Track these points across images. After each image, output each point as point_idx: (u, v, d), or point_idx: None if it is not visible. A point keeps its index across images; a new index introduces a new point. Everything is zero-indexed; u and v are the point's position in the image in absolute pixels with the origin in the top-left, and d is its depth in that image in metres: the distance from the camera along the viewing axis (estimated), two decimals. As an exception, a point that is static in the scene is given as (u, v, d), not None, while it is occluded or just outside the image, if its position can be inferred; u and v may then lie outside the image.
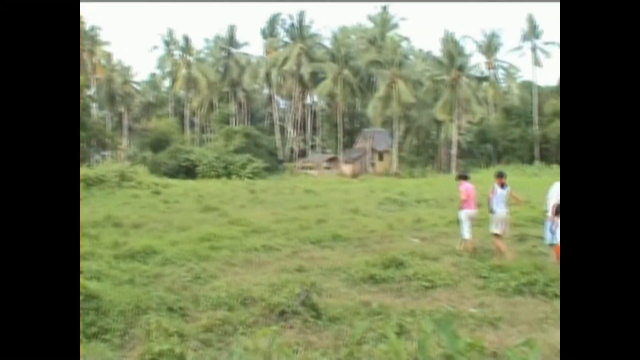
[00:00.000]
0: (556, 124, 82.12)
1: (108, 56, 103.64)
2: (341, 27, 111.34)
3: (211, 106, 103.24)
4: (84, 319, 8.44)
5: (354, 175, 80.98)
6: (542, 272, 12.22)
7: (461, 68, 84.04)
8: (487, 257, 15.56)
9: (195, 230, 19.68)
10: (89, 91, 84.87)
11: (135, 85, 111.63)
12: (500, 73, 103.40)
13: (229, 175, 72.10)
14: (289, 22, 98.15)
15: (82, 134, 56.66)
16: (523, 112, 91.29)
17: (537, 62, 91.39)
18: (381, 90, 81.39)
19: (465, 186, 17.11)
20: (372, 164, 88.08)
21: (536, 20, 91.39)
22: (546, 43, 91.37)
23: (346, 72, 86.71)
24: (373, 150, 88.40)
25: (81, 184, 36.98)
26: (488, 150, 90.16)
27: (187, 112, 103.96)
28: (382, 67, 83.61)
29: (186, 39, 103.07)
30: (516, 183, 49.42)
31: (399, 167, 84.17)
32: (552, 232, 15.01)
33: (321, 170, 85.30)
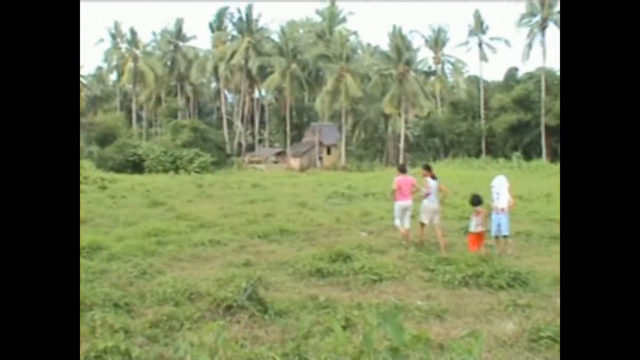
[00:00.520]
0: (502, 118, 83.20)
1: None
2: (289, 21, 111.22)
3: (159, 100, 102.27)
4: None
5: (302, 169, 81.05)
6: (488, 264, 12.38)
7: (409, 62, 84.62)
8: (433, 250, 15.74)
9: (142, 226, 19.52)
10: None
11: (81, 79, 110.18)
12: (448, 68, 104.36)
13: (176, 169, 71.49)
14: (237, 15, 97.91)
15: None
16: (470, 106, 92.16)
17: (483, 57, 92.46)
18: (329, 84, 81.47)
19: (398, 178, 17.45)
20: (320, 158, 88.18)
21: (482, 16, 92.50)
22: (492, 38, 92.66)
23: (294, 66, 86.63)
24: (321, 144, 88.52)
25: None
26: (435, 143, 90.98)
27: (134, 106, 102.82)
28: (330, 61, 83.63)
29: (133, 32, 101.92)
30: (463, 176, 50.07)
31: (347, 160, 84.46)
32: (473, 223, 15.88)
33: (269, 165, 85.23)
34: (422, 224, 16.83)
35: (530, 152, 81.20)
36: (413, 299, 10.76)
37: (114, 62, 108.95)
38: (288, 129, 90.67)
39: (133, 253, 14.68)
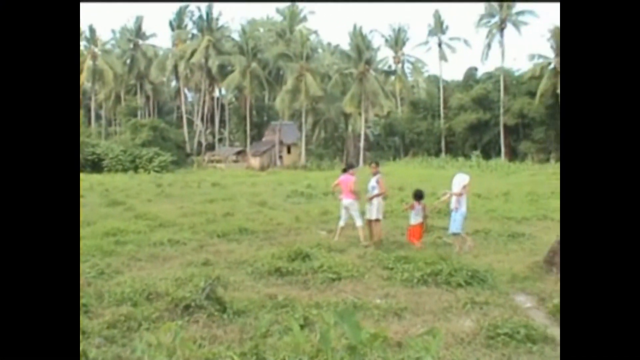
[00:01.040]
0: (461, 117, 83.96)
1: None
2: (250, 20, 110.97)
3: (118, 99, 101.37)
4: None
5: (262, 168, 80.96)
6: (446, 263, 12.44)
7: (369, 62, 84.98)
8: (393, 248, 15.80)
9: (100, 225, 19.34)
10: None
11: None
12: (408, 67, 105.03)
13: (136, 169, 71.11)
14: (197, 14, 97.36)
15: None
16: (429, 105, 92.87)
17: (443, 57, 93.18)
18: (289, 83, 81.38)
19: (341, 178, 18.11)
20: (281, 157, 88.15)
21: (442, 16, 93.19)
22: (452, 38, 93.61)
23: (254, 65, 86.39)
24: (281, 143, 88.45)
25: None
26: (395, 143, 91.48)
27: (93, 105, 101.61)
28: (290, 60, 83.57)
29: (92, 30, 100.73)
30: (423, 175, 50.38)
31: (307, 159, 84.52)
32: (411, 216, 16.66)
33: (229, 164, 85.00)
34: (377, 220, 17.10)
35: (489, 151, 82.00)
36: (372, 298, 10.77)
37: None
38: (248, 128, 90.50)
39: (91, 253, 14.52)
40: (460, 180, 16.41)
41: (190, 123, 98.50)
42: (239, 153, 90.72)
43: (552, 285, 11.59)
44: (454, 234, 16.18)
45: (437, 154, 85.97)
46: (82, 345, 7.46)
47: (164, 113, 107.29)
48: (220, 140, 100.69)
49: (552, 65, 77.36)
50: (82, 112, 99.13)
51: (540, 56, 79.77)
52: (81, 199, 31.39)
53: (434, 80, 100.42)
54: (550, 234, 16.73)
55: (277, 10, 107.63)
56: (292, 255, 13.71)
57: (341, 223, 17.79)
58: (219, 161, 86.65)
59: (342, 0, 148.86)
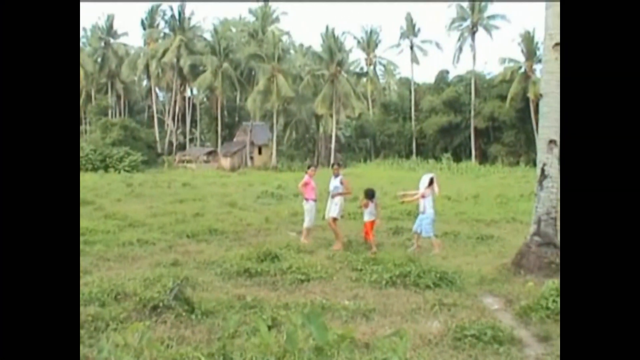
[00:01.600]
0: (432, 119, 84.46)
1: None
2: (222, 19, 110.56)
3: (88, 97, 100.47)
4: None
5: (233, 169, 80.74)
6: (415, 264, 12.49)
7: (341, 63, 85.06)
8: (361, 250, 15.85)
9: (69, 224, 19.19)
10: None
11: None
12: (379, 69, 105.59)
13: (106, 168, 70.62)
14: (169, 13, 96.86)
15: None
16: (401, 107, 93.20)
17: (414, 59, 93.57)
18: (261, 83, 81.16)
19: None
20: (252, 158, 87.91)
21: (414, 19, 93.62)
22: (424, 41, 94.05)
23: (226, 65, 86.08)
24: (252, 143, 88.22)
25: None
26: (367, 144, 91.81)
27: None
28: (262, 60, 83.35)
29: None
30: (394, 177, 50.51)
31: (278, 160, 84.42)
32: (365, 213, 17.02)
33: (200, 164, 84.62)
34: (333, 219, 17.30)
35: (459, 154, 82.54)
36: (340, 299, 10.78)
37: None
38: (219, 128, 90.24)
39: (58, 252, 14.41)
40: (424, 180, 16.59)
41: (162, 123, 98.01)
42: (210, 153, 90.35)
43: (519, 287, 11.68)
44: (427, 237, 16.34)
45: (408, 156, 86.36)
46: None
47: (135, 112, 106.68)
48: (191, 140, 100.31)
49: (522, 69, 78.05)
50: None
51: (511, 60, 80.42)
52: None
53: (406, 82, 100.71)
54: (518, 237, 16.86)
55: (250, 11, 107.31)
56: (261, 256, 13.72)
57: (306, 224, 17.99)
58: (189, 161, 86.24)
59: (316, 0, 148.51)
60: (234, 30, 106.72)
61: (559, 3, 13.89)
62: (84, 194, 33.92)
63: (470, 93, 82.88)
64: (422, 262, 12.97)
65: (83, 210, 25.17)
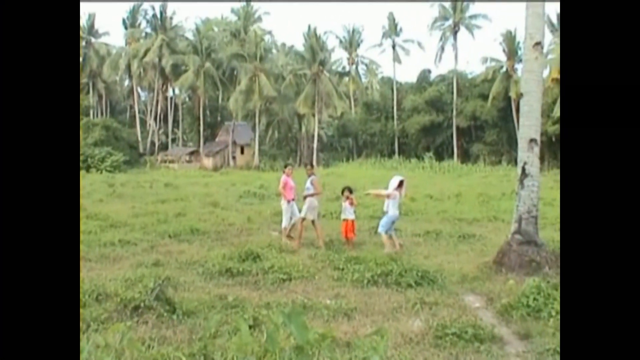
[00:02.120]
0: (415, 119, 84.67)
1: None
2: (204, 19, 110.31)
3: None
4: None
5: (215, 169, 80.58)
6: (397, 263, 12.50)
7: (323, 63, 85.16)
8: (343, 249, 15.86)
9: (49, 225, 19.11)
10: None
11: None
12: (362, 69, 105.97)
13: (87, 168, 70.15)
14: (151, 12, 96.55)
15: None
16: (383, 107, 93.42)
17: (397, 59, 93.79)
18: (243, 83, 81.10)
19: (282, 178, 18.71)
20: (234, 158, 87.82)
21: (396, 18, 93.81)
22: (406, 41, 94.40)
23: (208, 64, 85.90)
24: (234, 143, 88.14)
25: None
26: (349, 144, 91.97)
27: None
28: (244, 60, 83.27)
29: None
30: (376, 176, 50.57)
31: (260, 160, 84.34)
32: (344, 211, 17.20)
33: (182, 164, 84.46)
34: (312, 221, 17.36)
35: (442, 153, 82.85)
36: (322, 298, 10.78)
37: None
38: (201, 128, 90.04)
39: (39, 253, 14.34)
40: (393, 181, 16.62)
41: (143, 123, 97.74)
42: (192, 153, 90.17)
43: (500, 285, 11.72)
44: (380, 233, 16.43)
45: (390, 155, 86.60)
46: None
47: (117, 112, 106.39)
48: (173, 140, 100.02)
49: (504, 69, 78.34)
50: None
51: (492, 59, 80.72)
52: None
53: (388, 81, 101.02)
54: (500, 235, 16.92)
55: (232, 10, 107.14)
56: (243, 256, 13.70)
57: (284, 223, 18.31)
58: (172, 161, 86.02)
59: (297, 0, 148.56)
60: (216, 29, 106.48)
61: (539, 3, 13.99)
62: (65, 194, 33.82)
63: (452, 92, 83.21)
64: (404, 261, 12.98)
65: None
